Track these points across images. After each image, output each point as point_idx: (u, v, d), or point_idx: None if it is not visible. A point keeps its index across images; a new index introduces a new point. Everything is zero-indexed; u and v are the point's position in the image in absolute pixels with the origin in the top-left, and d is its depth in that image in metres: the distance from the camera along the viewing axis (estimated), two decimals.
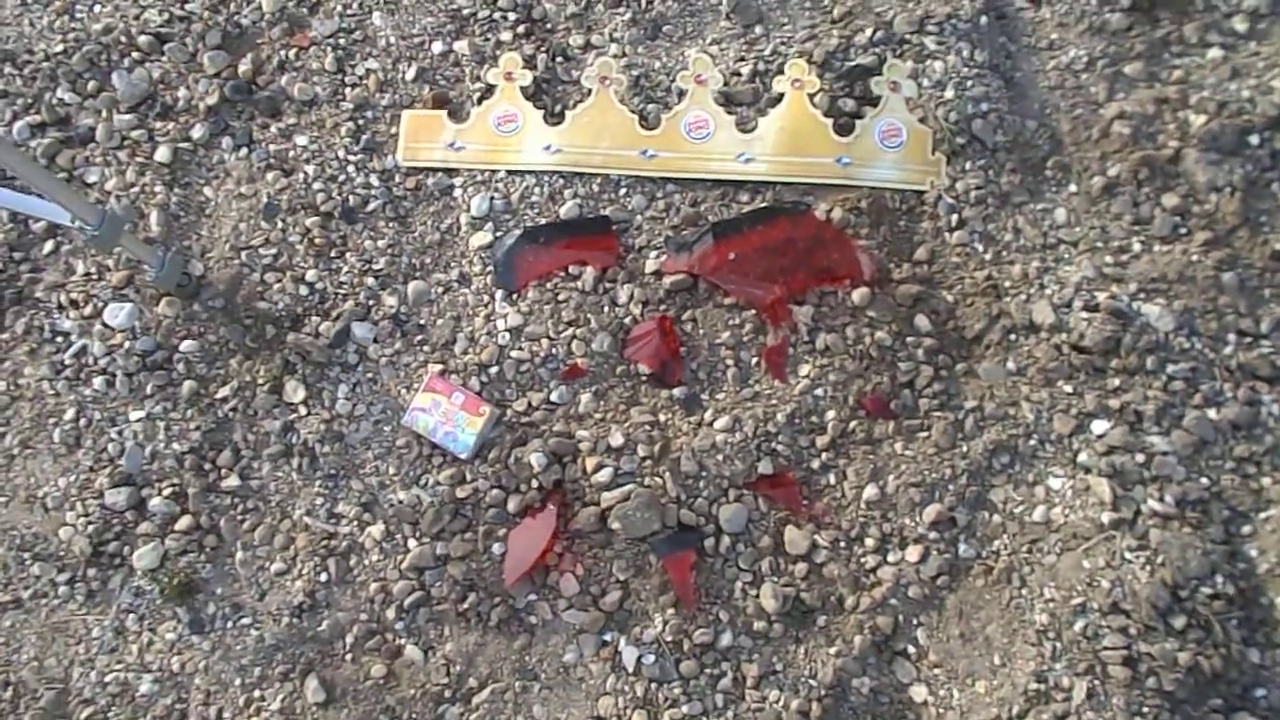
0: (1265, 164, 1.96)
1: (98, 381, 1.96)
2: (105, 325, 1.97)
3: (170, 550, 1.89)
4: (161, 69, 2.13)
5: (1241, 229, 1.95)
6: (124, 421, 1.95)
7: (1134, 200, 1.99)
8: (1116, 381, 1.88)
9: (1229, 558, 1.73)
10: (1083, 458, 1.84)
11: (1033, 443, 1.89)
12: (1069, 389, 1.89)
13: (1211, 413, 1.83)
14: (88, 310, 1.98)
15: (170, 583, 1.86)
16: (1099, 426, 1.85)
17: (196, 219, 2.07)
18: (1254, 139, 2.00)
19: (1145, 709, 1.62)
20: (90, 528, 1.88)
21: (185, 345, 1.97)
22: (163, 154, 2.09)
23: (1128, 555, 1.76)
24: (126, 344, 1.95)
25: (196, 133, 2.09)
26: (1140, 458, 1.81)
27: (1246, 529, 1.78)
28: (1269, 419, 1.84)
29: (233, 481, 1.92)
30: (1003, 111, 2.04)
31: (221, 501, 1.91)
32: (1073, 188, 2.06)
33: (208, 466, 1.92)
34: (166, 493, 1.90)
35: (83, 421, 1.96)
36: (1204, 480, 1.82)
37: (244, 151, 2.10)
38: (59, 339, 1.99)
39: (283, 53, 2.14)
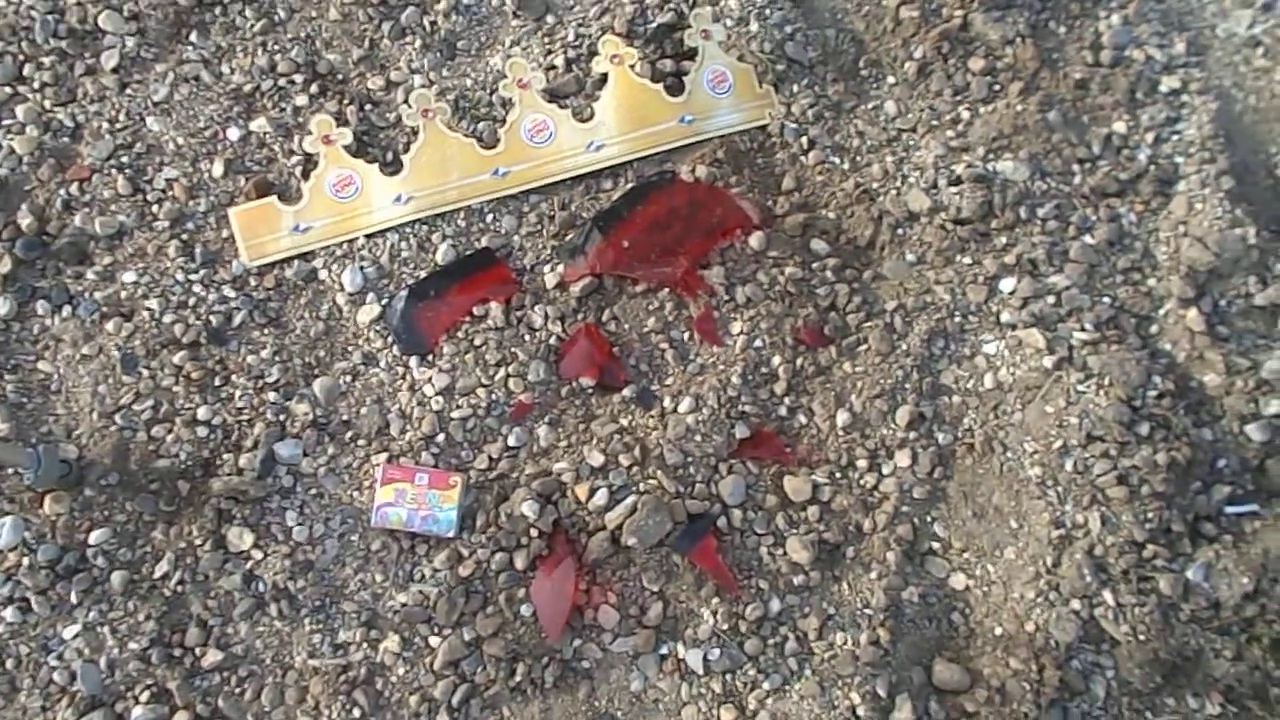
0: (1037, 7, 2.45)
1: (8, 613, 1.98)
2: None
3: None
4: None
5: (1043, 70, 2.39)
6: (59, 644, 1.98)
7: (947, 74, 2.40)
8: (1003, 240, 2.31)
9: (1152, 357, 2.15)
10: (1005, 317, 2.25)
11: (958, 319, 2.28)
12: (968, 260, 2.30)
13: (1088, 239, 2.29)
14: None
15: None
16: (1007, 284, 2.28)
17: (45, 400, 2.13)
18: None
19: (1149, 514, 2.05)
20: None
21: (95, 536, 1.99)
22: None
23: (1079, 388, 2.16)
24: (25, 561, 1.97)
25: (1, 309, 2.15)
26: (1051, 299, 2.22)
27: (1154, 329, 2.23)
28: (1131, 228, 2.30)
29: (214, 657, 1.98)
30: (804, 29, 2.40)
31: (211, 683, 1.98)
32: (890, 79, 2.48)
33: (179, 652, 1.96)
34: (145, 697, 1.92)
35: (10, 662, 1.96)
36: (1106, 299, 2.25)
37: (67, 310, 2.16)
38: None
39: (63, 191, 2.21)
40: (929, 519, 2.23)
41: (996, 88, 2.50)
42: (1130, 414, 2.18)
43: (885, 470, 2.23)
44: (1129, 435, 2.17)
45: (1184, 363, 2.26)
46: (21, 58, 2.29)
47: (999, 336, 2.32)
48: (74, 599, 2.02)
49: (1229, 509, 2.10)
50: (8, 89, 2.29)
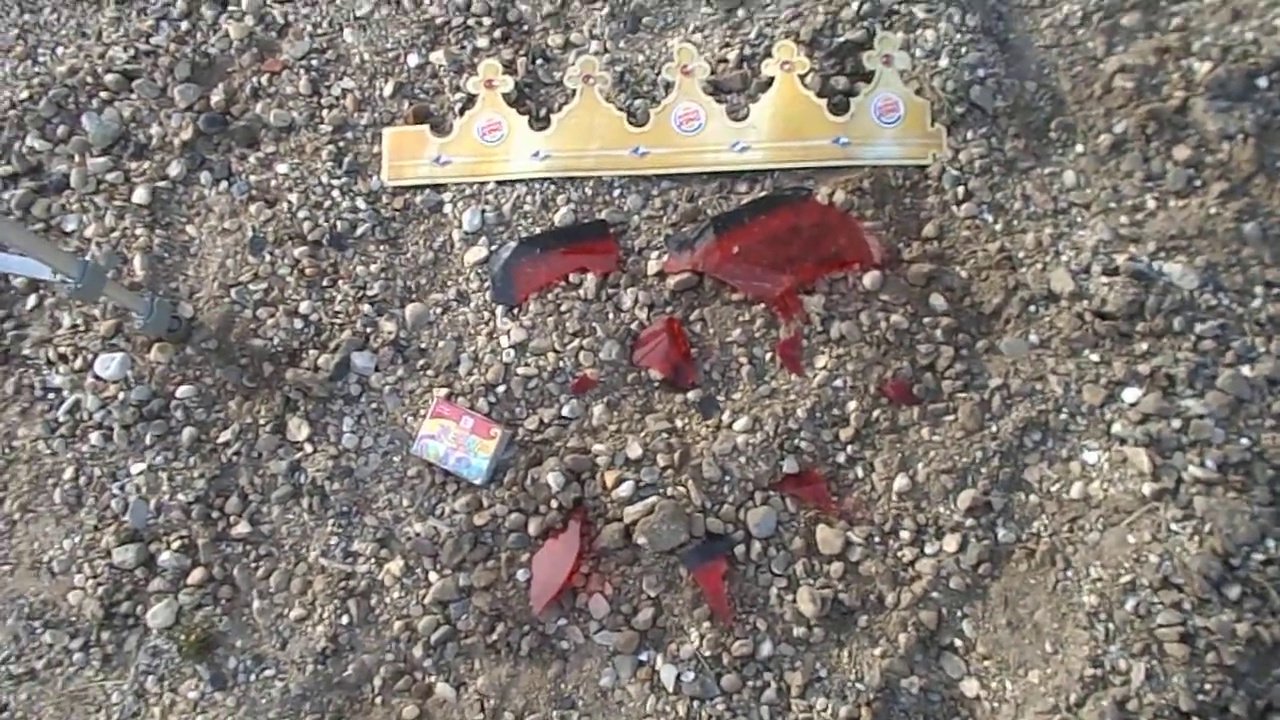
0: (1276, 107, 2.20)
1: (94, 436, 2.24)
2: (97, 378, 2.24)
3: (185, 605, 2.15)
4: (132, 107, 2.45)
5: (1258, 176, 2.21)
6: (125, 476, 2.24)
7: (1144, 156, 2.25)
8: (1144, 346, 2.13)
9: (1278, 520, 1.93)
10: (1117, 428, 2.09)
11: (1063, 417, 2.14)
12: (1095, 358, 2.16)
13: (1245, 370, 2.08)
14: (78, 364, 2.26)
15: (188, 639, 2.11)
16: (1130, 394, 2.10)
17: (181, 259, 2.40)
18: (1262, 81, 2.26)
19: (1207, 685, 1.85)
20: (100, 589, 2.14)
21: (181, 391, 2.25)
22: (141, 195, 2.41)
23: (1173, 526, 1.99)
24: (121, 395, 2.23)
25: (173, 170, 2.42)
26: (1176, 423, 2.05)
27: None
28: None
29: (243, 528, 2.20)
30: (1000, 76, 2.33)
31: (233, 550, 2.19)
32: (1079, 148, 2.33)
33: (216, 515, 2.19)
34: (176, 546, 2.17)
35: (83, 480, 2.24)
36: (1244, 441, 2.04)
37: (224, 185, 2.43)
38: (51, 396, 2.28)
39: (255, 80, 2.46)
40: (959, 613, 2.14)
41: (1197, 183, 2.30)
42: (1221, 570, 1.99)
43: (929, 549, 2.16)
44: (1212, 593, 1.97)
45: None
46: None
47: (1104, 447, 2.16)
48: (148, 440, 2.26)
49: None
50: None
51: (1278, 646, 1.88)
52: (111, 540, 2.19)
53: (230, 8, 2.54)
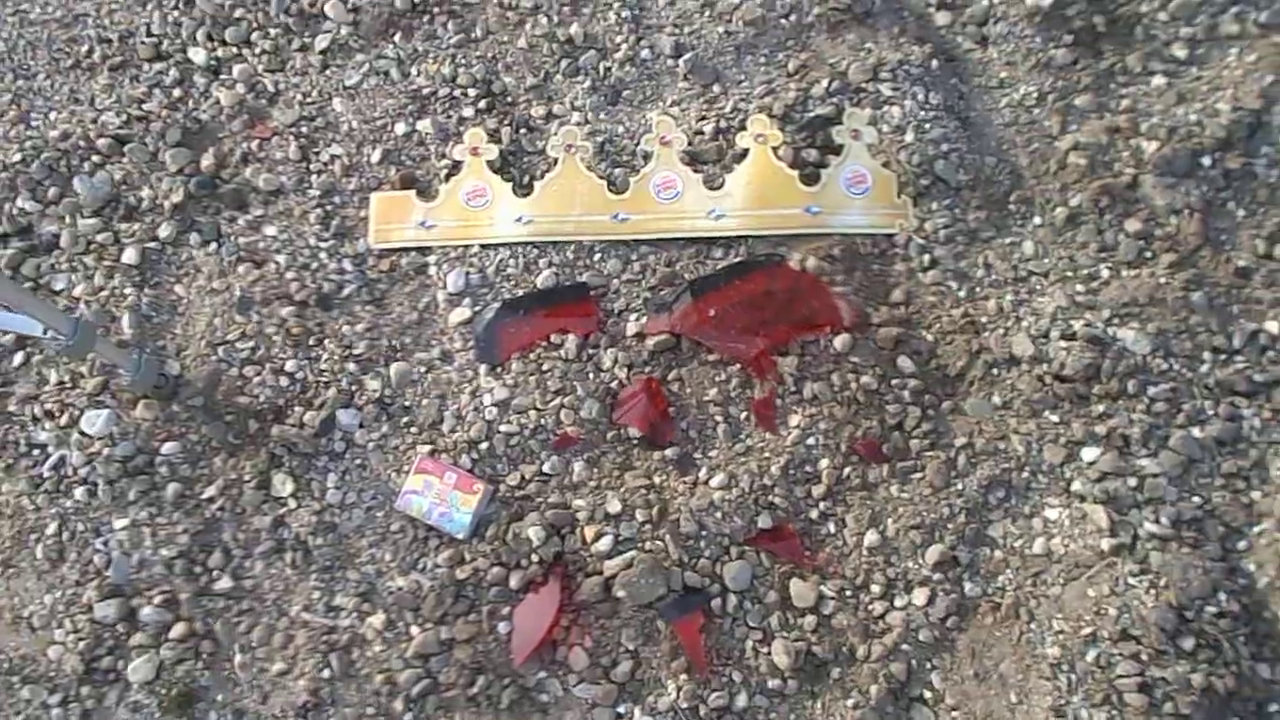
0: (1219, 184, 2.39)
1: (79, 492, 2.23)
2: (83, 434, 2.26)
3: (166, 660, 2.12)
4: (123, 170, 2.50)
5: (1204, 249, 2.35)
6: (108, 531, 2.22)
7: (1098, 228, 2.39)
8: (1101, 407, 2.23)
9: (1229, 574, 2.03)
10: (1076, 486, 2.18)
11: (1025, 475, 2.22)
12: (1055, 418, 2.26)
13: (1196, 431, 2.19)
14: (64, 420, 2.28)
15: (169, 694, 2.09)
16: (1089, 453, 2.20)
17: (169, 318, 2.44)
18: (1206, 160, 2.43)
19: None
20: (81, 644, 2.12)
21: (167, 447, 2.27)
22: (130, 255, 2.46)
23: (1131, 580, 2.07)
24: (106, 451, 2.23)
25: (163, 231, 2.46)
26: (1132, 481, 2.14)
27: (1242, 544, 2.11)
28: (1251, 433, 2.19)
29: (225, 583, 2.21)
30: (962, 151, 2.46)
31: (215, 605, 2.17)
32: (1037, 220, 2.47)
33: (198, 570, 2.18)
34: (158, 601, 2.15)
35: (65, 534, 2.23)
36: (1196, 499, 2.15)
37: (213, 247, 2.47)
38: (35, 452, 2.28)
39: (245, 145, 2.54)
40: (928, 665, 2.16)
41: (1147, 254, 2.44)
42: (1177, 622, 2.05)
43: (898, 602, 2.19)
44: (1168, 645, 2.03)
45: (1263, 589, 2.11)
46: (253, 25, 2.71)
47: (1064, 504, 2.23)
48: (132, 496, 2.25)
49: None
50: (234, 48, 2.73)
51: (1231, 696, 1.94)
52: (93, 595, 2.17)
53: (222, 76, 2.60)
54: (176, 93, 2.58)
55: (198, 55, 2.65)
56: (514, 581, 2.19)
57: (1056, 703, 2.04)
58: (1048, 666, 2.09)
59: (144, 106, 2.60)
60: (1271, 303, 2.28)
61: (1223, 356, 2.29)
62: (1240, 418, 2.25)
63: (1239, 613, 2.00)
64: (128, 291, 2.45)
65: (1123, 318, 2.35)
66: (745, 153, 2.51)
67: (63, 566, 2.26)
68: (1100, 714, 2.02)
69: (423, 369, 2.41)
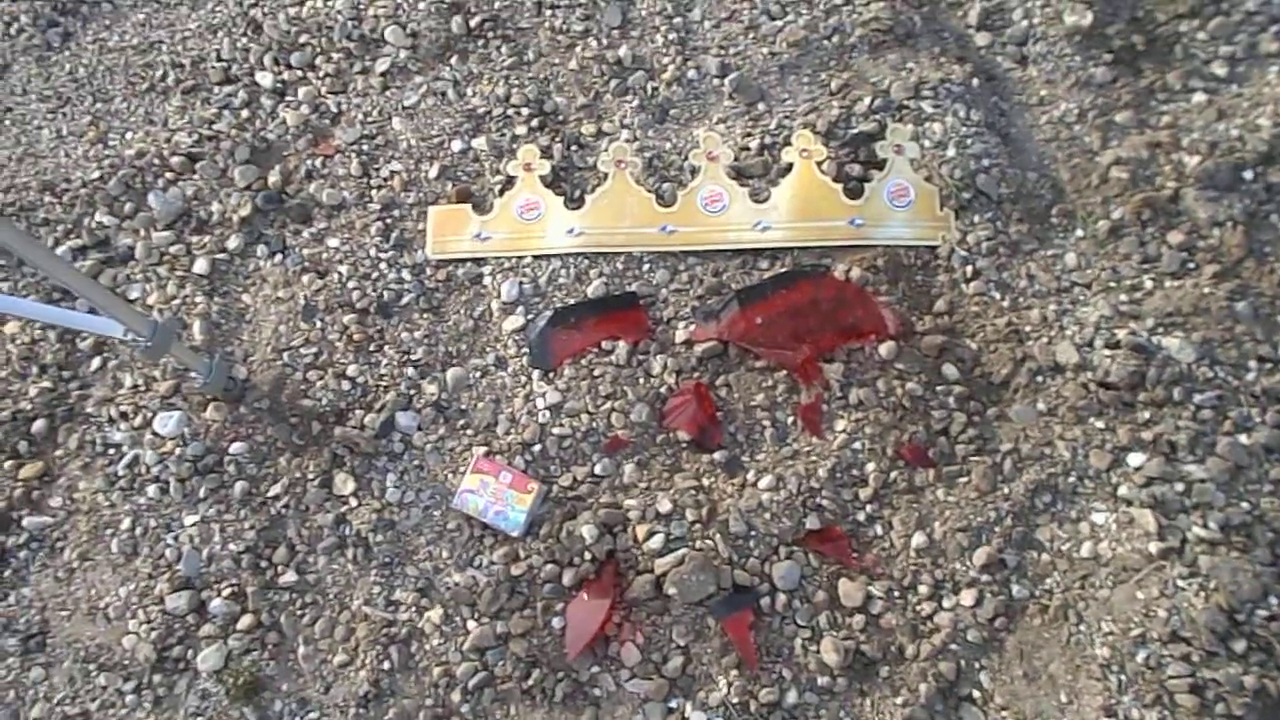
0: (1261, 197, 2.41)
1: (151, 489, 2.35)
2: (155, 434, 2.36)
3: (234, 650, 2.23)
4: (195, 186, 2.65)
5: (1247, 260, 2.37)
6: (179, 527, 2.33)
7: (1140, 240, 2.41)
8: (1146, 414, 2.25)
9: (1279, 579, 2.08)
10: (1123, 491, 2.19)
11: (1072, 480, 2.25)
12: (1101, 425, 2.27)
13: (1243, 438, 2.20)
14: (138, 421, 2.40)
15: (236, 683, 2.18)
16: (1135, 459, 2.22)
17: (237, 325, 2.57)
18: (1248, 174, 2.46)
19: None
20: (153, 634, 2.21)
21: (235, 447, 2.38)
22: (201, 266, 2.60)
23: (1180, 583, 2.08)
24: (177, 451, 2.35)
25: (232, 243, 2.62)
26: (1180, 487, 2.15)
27: None
28: None
29: (290, 577, 2.30)
30: (1003, 166, 2.52)
31: (280, 598, 2.28)
32: (1079, 232, 2.52)
33: (264, 564, 2.28)
34: (226, 593, 2.25)
35: (139, 530, 2.34)
36: (1244, 505, 2.14)
37: (279, 258, 2.61)
38: (111, 451, 2.40)
39: (309, 162, 2.68)
40: (977, 665, 2.18)
41: (1190, 265, 2.46)
42: (1227, 625, 2.06)
43: (946, 603, 2.22)
44: (1219, 647, 2.04)
45: None
46: (317, 50, 2.86)
47: (1111, 509, 2.25)
48: (201, 494, 2.34)
49: None
50: (299, 71, 2.93)
51: None
52: (165, 588, 2.26)
53: (288, 98, 2.75)
54: (245, 114, 2.70)
55: (265, 79, 2.79)
56: (567, 579, 2.22)
57: (1107, 703, 2.03)
58: (1097, 667, 2.09)
59: (214, 127, 2.73)
60: None
61: (1268, 365, 2.28)
62: None
63: None
64: (198, 300, 2.55)
65: (1167, 327, 2.35)
66: (790, 167, 2.57)
67: (136, 560, 2.34)
68: (1152, 714, 2.01)
69: (478, 374, 2.49)
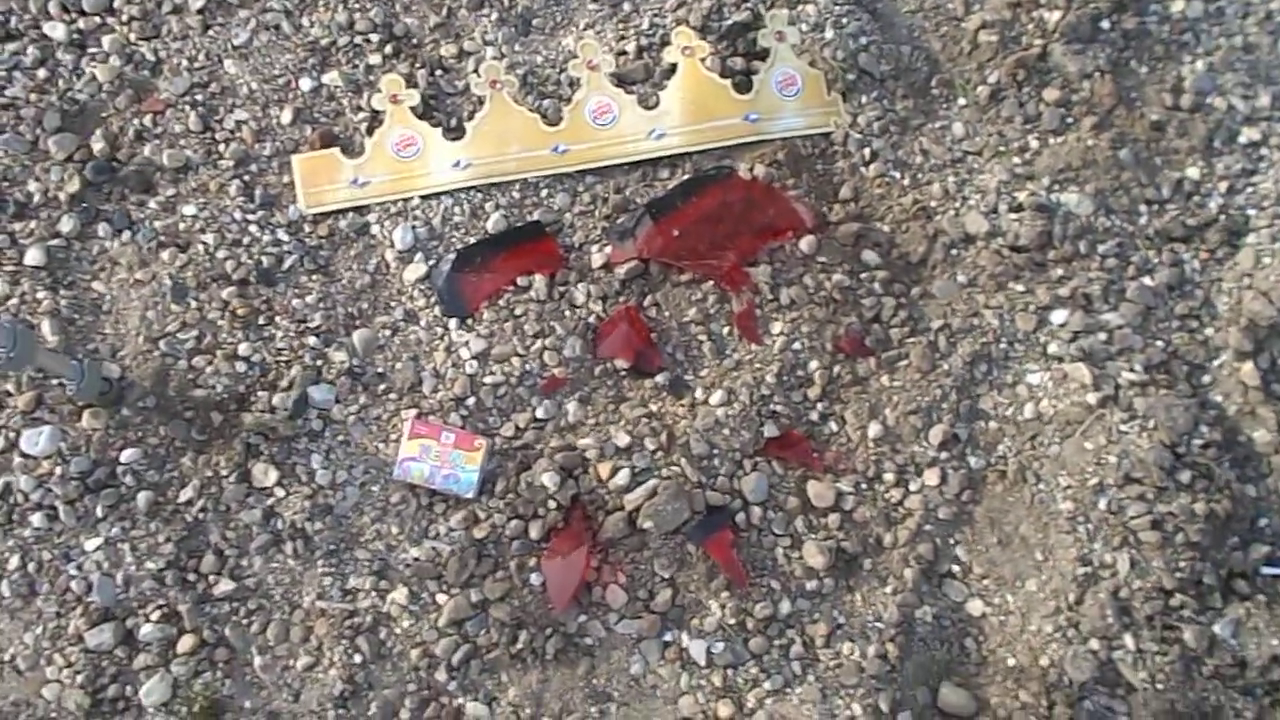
0: (1120, 45, 2.48)
1: (36, 518, 2.08)
2: (26, 455, 2.09)
3: (180, 676, 2.03)
4: (1, 166, 2.27)
5: (1119, 108, 2.44)
6: (80, 554, 2.08)
7: (1019, 101, 2.47)
8: (1060, 271, 2.35)
9: (1201, 407, 2.20)
10: (1052, 349, 2.28)
11: (1004, 345, 2.33)
12: (1020, 288, 2.35)
13: (1147, 280, 2.33)
14: (0, 444, 2.10)
15: (191, 710, 1.98)
16: (1058, 316, 2.31)
17: (94, 318, 2.24)
18: (1105, 24, 2.52)
19: (1182, 563, 2.07)
20: (79, 678, 1.99)
21: (126, 455, 2.10)
22: (34, 256, 2.24)
23: (1122, 428, 2.19)
24: (57, 470, 2.07)
25: (65, 226, 2.25)
26: (1103, 336, 2.26)
27: (1206, 378, 2.29)
28: (1194, 274, 2.35)
29: (226, 586, 2.09)
30: (880, 42, 2.49)
31: (219, 610, 2.07)
32: (961, 101, 2.55)
33: (192, 577, 2.07)
34: (155, 616, 2.03)
35: (30, 566, 2.07)
36: (1159, 343, 2.30)
37: (126, 235, 2.28)
38: None
39: (136, 121, 2.33)
40: (952, 541, 2.27)
41: (1069, 120, 2.54)
42: (1172, 460, 2.18)
43: (912, 487, 2.28)
44: (1168, 481, 2.16)
45: (1234, 416, 2.30)
46: None
47: (1044, 368, 2.33)
48: (99, 513, 2.10)
49: (1265, 569, 2.10)
50: (97, 18, 2.40)
51: (1229, 519, 2.12)
52: (81, 624, 2.04)
53: (90, 50, 2.38)
54: (41, 74, 2.32)
55: (56, 30, 2.37)
56: (534, 531, 2.18)
57: (1080, 552, 2.15)
58: (1064, 521, 2.19)
59: (7, 92, 2.33)
60: (1188, 151, 2.41)
61: (1156, 207, 2.41)
62: (1182, 262, 2.40)
63: (1220, 441, 2.15)
64: (40, 296, 2.23)
65: (1061, 183, 2.44)
66: (674, 68, 2.48)
67: (36, 600, 2.10)
68: (1122, 556, 2.14)
69: (388, 333, 2.33)
